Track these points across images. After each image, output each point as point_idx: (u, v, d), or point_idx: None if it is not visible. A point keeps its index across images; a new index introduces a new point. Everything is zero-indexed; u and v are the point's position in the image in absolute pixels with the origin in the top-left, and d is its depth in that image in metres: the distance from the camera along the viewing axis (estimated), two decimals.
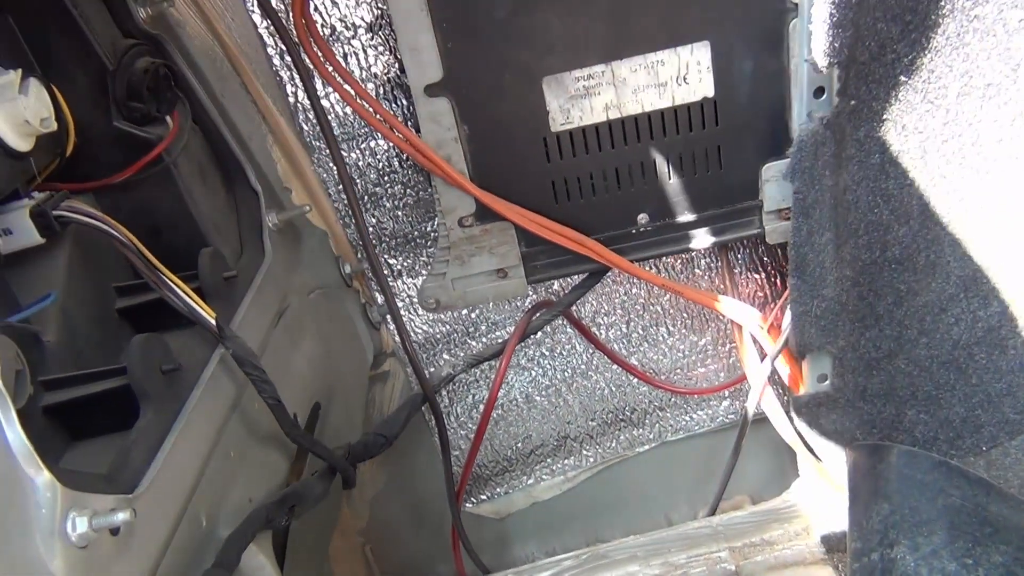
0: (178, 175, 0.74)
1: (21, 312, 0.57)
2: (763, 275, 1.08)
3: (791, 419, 0.97)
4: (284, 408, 0.68)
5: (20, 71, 0.60)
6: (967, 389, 0.94)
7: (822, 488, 0.99)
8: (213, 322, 0.65)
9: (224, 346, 0.66)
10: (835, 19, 0.75)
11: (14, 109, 0.58)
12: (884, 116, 0.83)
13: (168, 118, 0.74)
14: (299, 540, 0.84)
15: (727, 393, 1.17)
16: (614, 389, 1.15)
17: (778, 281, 1.08)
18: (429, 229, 1.03)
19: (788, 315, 0.92)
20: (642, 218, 0.90)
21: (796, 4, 0.80)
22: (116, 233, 0.62)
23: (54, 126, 0.63)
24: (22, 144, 0.60)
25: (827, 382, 0.95)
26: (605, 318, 1.10)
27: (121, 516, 0.47)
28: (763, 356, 0.96)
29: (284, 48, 0.88)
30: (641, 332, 1.11)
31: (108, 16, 0.70)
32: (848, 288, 0.91)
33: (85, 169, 0.71)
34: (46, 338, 0.60)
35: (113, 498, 0.49)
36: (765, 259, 1.07)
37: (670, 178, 0.88)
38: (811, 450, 0.97)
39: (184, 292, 0.64)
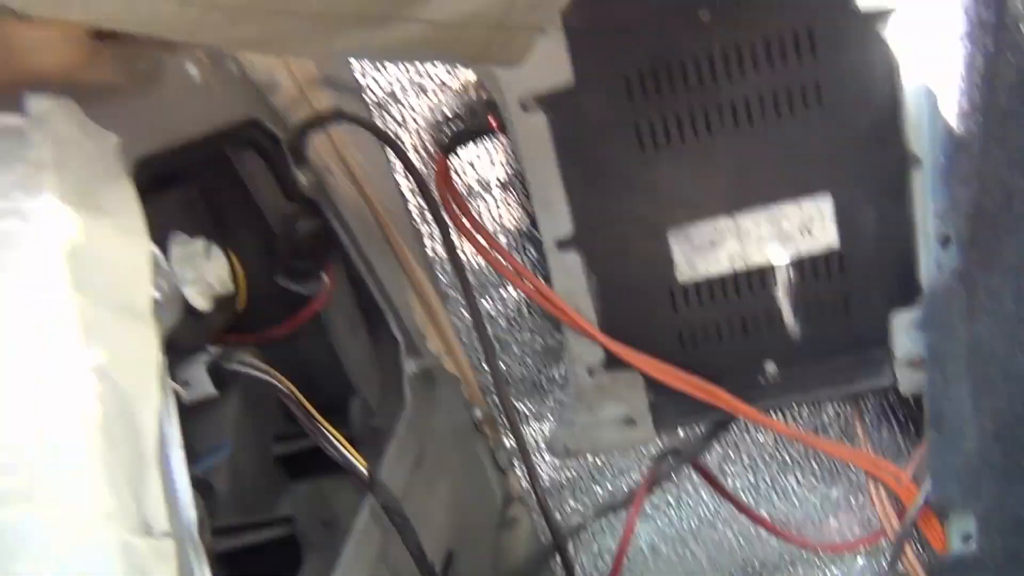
0: (331, 328, 0.79)
1: (201, 463, 0.62)
2: (895, 424, 1.05)
3: None
4: (426, 559, 0.70)
5: (204, 238, 0.67)
6: None
7: None
8: (366, 472, 0.67)
9: (374, 495, 0.68)
10: (960, 172, 0.77)
11: (200, 275, 0.65)
12: (1016, 265, 0.82)
13: (323, 274, 0.80)
14: None
15: (863, 549, 1.12)
16: (742, 541, 1.12)
17: (912, 430, 1.05)
18: (555, 374, 1.05)
19: (927, 469, 0.89)
20: (769, 366, 0.90)
21: (918, 157, 0.81)
22: (281, 386, 0.67)
23: (231, 288, 0.69)
24: (204, 304, 0.66)
25: (972, 542, 0.91)
26: (731, 466, 1.09)
27: None
28: (902, 513, 0.92)
29: (425, 205, 0.95)
30: (768, 481, 1.09)
31: (276, 186, 0.77)
32: (990, 442, 0.87)
33: (250, 321, 0.77)
34: (217, 486, 0.64)
35: None
36: (896, 407, 1.05)
37: (797, 326, 0.89)
38: None
39: (339, 442, 0.68)
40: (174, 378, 0.64)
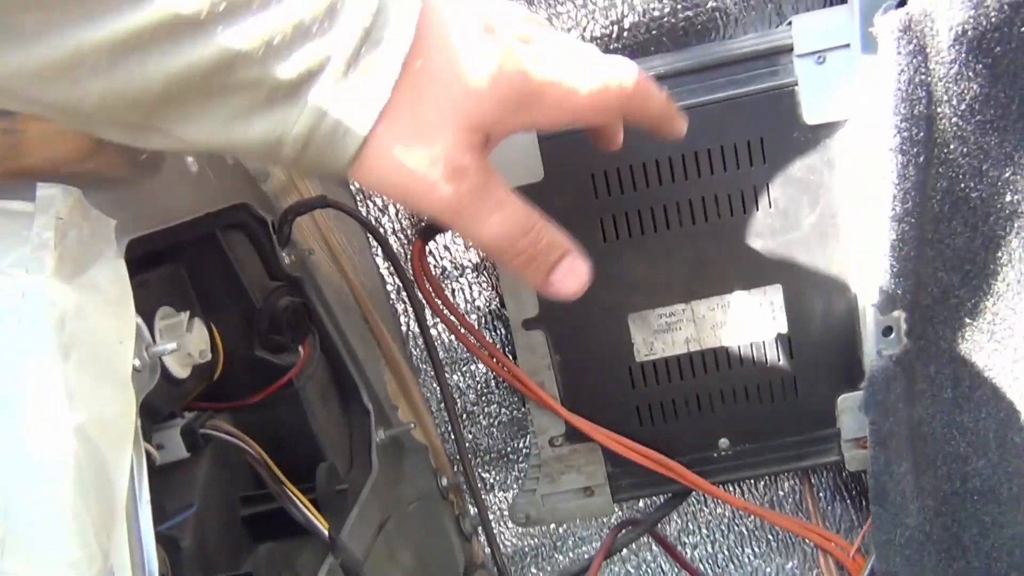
0: (304, 397, 0.84)
1: (169, 522, 0.66)
2: (848, 500, 1.10)
3: None
4: None
5: (188, 312, 0.73)
6: None
7: None
8: (326, 534, 0.72)
9: (334, 556, 0.73)
10: (895, 270, 0.83)
11: (181, 345, 0.70)
12: (952, 354, 0.88)
13: (300, 347, 0.85)
14: None
15: None
16: None
17: (864, 505, 1.10)
18: (521, 445, 1.10)
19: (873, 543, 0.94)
20: (723, 442, 0.95)
21: (861, 255, 0.88)
22: (251, 451, 0.72)
23: (209, 357, 0.74)
24: (182, 373, 0.71)
25: None
26: (690, 537, 1.13)
27: None
28: None
29: (401, 284, 1.01)
30: (727, 552, 1.13)
31: (260, 263, 0.83)
32: (931, 518, 0.92)
33: (225, 389, 0.81)
34: (183, 544, 0.69)
35: None
36: (849, 483, 1.09)
37: (748, 406, 0.94)
38: None
39: (303, 504, 0.72)
40: (149, 441, 0.69)
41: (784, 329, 0.91)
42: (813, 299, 0.90)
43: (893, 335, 0.89)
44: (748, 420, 0.94)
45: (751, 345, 0.92)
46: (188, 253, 0.78)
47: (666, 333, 0.92)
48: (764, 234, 0.88)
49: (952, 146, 0.79)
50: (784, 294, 0.90)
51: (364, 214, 0.97)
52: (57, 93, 0.41)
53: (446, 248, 1.00)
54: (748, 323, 0.91)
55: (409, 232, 1.00)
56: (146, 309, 0.69)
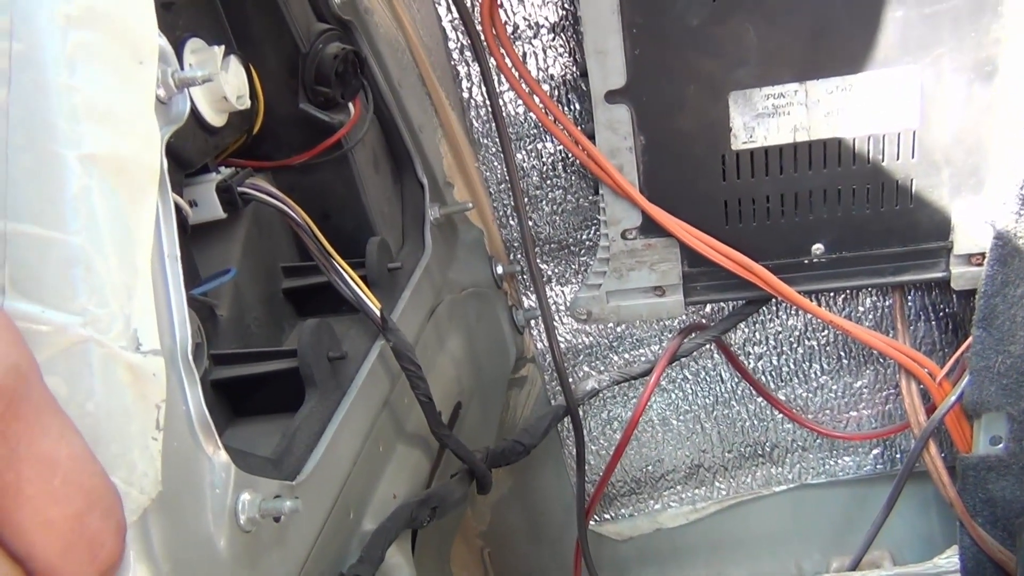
0: (354, 162, 0.73)
1: (205, 285, 0.58)
2: (932, 321, 1.00)
3: (955, 480, 0.90)
4: (434, 406, 0.67)
5: (223, 47, 0.61)
6: None
7: (980, 559, 0.91)
8: (378, 313, 0.64)
9: (386, 338, 0.65)
10: None
11: (215, 85, 0.59)
12: None
13: (350, 104, 0.74)
14: (426, 539, 0.83)
15: (878, 441, 1.09)
16: (756, 422, 1.10)
17: (950, 329, 1.00)
18: (584, 237, 1.00)
19: (964, 368, 0.85)
20: (817, 248, 0.85)
21: (1015, 36, 0.73)
22: (294, 215, 0.62)
23: (248, 104, 0.63)
24: (217, 119, 0.61)
25: (1001, 445, 0.87)
26: (755, 347, 1.05)
27: (289, 504, 0.46)
28: (931, 409, 0.89)
29: (465, 43, 0.87)
30: (792, 366, 1.05)
31: (307, 1, 0.70)
32: None
33: (266, 147, 0.71)
34: (220, 312, 0.61)
35: (278, 484, 0.49)
36: (938, 303, 1.00)
37: (853, 209, 0.82)
38: (973, 516, 0.90)
39: (353, 280, 0.64)
40: (180, 195, 0.60)
41: (914, 122, 0.78)
42: (954, 87, 0.76)
43: None
44: (850, 225, 0.83)
45: (869, 138, 0.79)
46: None
47: (771, 117, 0.80)
48: (907, 2, 0.73)
49: None
50: (921, 78, 0.76)
51: None
52: None
53: (520, 1, 0.86)
54: (872, 112, 0.78)
55: None
56: (172, 37, 0.57)
